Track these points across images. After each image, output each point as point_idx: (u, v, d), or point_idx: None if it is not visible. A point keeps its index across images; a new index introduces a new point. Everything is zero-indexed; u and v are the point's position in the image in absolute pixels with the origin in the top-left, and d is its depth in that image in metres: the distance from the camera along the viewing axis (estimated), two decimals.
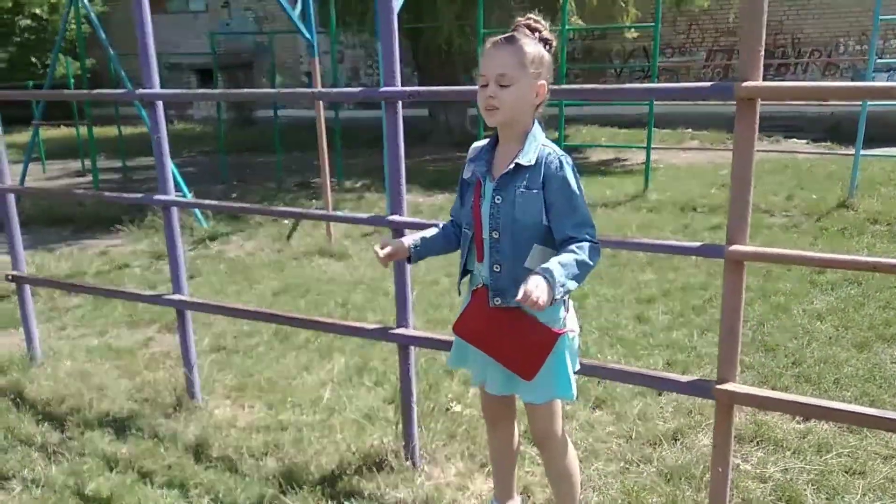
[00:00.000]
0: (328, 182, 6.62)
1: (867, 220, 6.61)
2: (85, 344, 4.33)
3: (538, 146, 2.00)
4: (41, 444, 3.14)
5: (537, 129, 2.04)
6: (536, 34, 2.00)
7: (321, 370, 3.84)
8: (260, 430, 3.19)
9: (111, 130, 16.10)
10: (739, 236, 2.15)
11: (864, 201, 7.23)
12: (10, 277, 3.79)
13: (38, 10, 21.17)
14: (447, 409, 3.31)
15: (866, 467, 2.81)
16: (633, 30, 13.83)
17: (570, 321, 2.09)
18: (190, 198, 7.68)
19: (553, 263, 1.85)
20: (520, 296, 1.77)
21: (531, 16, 2.04)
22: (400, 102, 2.51)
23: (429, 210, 8.23)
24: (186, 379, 3.38)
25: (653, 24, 8.38)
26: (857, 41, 14.35)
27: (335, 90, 2.66)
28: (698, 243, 2.24)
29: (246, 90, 3.22)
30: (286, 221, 7.96)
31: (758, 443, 3.02)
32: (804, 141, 12.45)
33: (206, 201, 3.46)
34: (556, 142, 9.34)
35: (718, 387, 2.21)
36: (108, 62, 9.17)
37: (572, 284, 1.87)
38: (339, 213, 2.87)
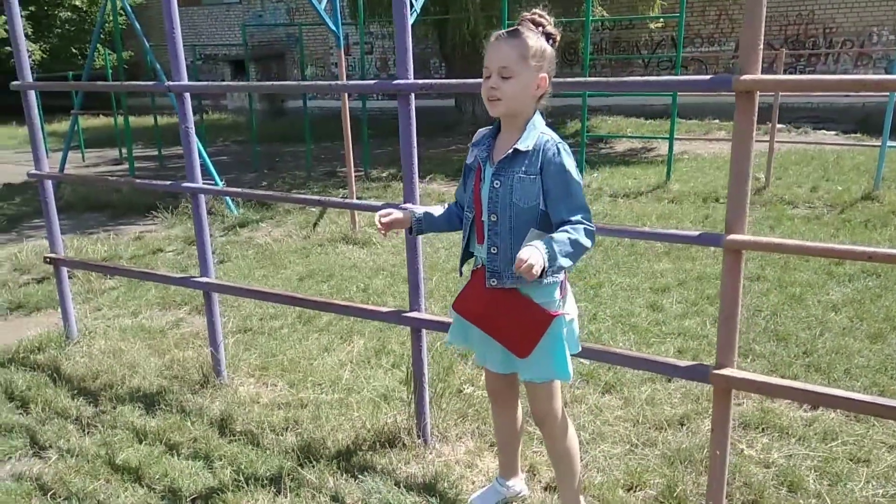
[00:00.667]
0: (352, 171, 6.77)
1: (892, 213, 6.55)
2: (119, 324, 4.53)
3: (537, 134, 2.09)
4: (76, 416, 3.34)
5: (538, 119, 2.13)
6: (540, 28, 2.08)
7: (341, 352, 3.99)
8: (281, 406, 3.35)
9: (148, 120, 16.51)
10: (737, 225, 2.21)
11: (889, 193, 7.15)
12: (48, 260, 4.00)
13: (77, 3, 21.67)
14: (460, 391, 3.43)
15: (871, 455, 2.85)
16: (660, 20, 13.73)
17: (566, 305, 2.18)
18: (221, 185, 7.92)
19: (546, 239, 1.93)
20: (515, 264, 1.86)
21: (536, 10, 2.12)
22: (412, 94, 2.62)
23: (453, 198, 8.33)
24: (213, 357, 3.55)
25: (678, 14, 8.34)
26: (892, 30, 14.03)
27: (351, 83, 2.77)
28: (697, 232, 2.32)
29: (269, 82, 3.34)
30: (313, 209, 8.15)
31: (763, 429, 3.08)
32: (833, 132, 12.27)
33: (232, 189, 3.62)
34: (579, 132, 9.35)
35: (716, 372, 2.29)
36: (144, 54, 9.43)
37: (566, 261, 1.95)
38: (355, 202, 2.99)
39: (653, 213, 7.05)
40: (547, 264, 1.88)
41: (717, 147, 11.27)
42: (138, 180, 3.85)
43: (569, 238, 1.96)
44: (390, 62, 20.50)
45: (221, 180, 8.09)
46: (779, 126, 9.07)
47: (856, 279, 4.83)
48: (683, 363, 2.36)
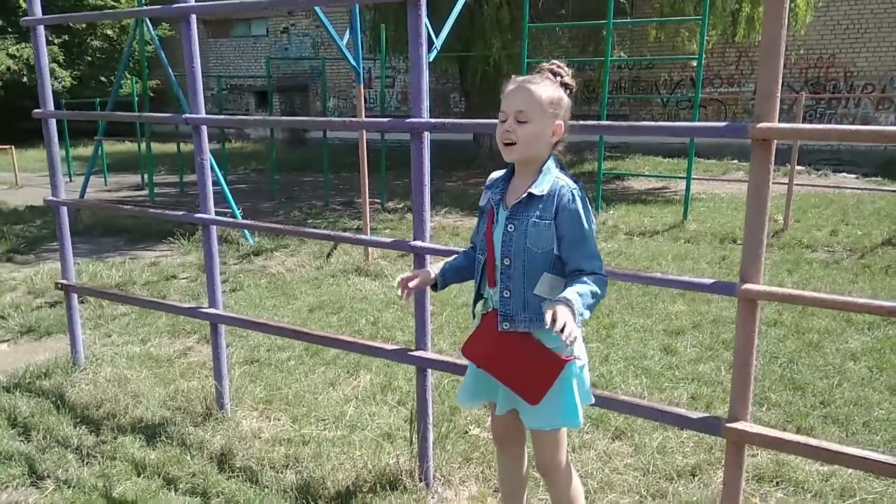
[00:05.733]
0: (367, 204, 6.78)
1: None
2: (127, 351, 4.52)
3: (552, 178, 2.08)
4: (76, 445, 3.30)
5: (552, 163, 2.12)
6: (558, 78, 2.11)
7: (347, 387, 3.94)
8: (282, 442, 3.29)
9: (172, 146, 16.79)
10: (753, 275, 2.16)
11: None
12: (59, 286, 4.01)
13: (109, 32, 22.22)
14: (465, 432, 3.36)
15: None
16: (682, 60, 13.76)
17: (577, 349, 2.13)
18: (238, 214, 7.98)
19: (572, 293, 1.93)
20: (547, 320, 1.85)
21: (555, 61, 2.16)
22: (426, 132, 2.61)
23: (467, 232, 8.33)
24: (216, 390, 3.51)
25: (696, 56, 8.36)
26: None
27: (367, 120, 2.78)
28: (710, 280, 2.26)
29: (285, 117, 3.38)
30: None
31: (778, 483, 2.98)
32: (853, 175, 12.15)
33: (242, 221, 3.62)
34: (594, 172, 9.33)
35: (729, 425, 2.22)
36: (169, 83, 9.64)
37: (587, 314, 1.95)
38: (364, 237, 2.97)
39: (668, 253, 6.97)
40: (577, 321, 1.89)
41: (735, 187, 11.20)
42: (151, 209, 3.86)
43: (590, 290, 1.97)
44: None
45: (238, 209, 8.14)
46: (798, 168, 8.99)
47: (875, 327, 4.72)
48: (695, 414, 2.28)
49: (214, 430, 3.38)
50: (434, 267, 2.36)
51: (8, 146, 14.39)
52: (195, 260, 7.28)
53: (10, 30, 20.19)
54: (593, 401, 2.25)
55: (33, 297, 5.87)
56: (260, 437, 3.34)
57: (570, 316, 1.86)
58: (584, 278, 2.00)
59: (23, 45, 19.95)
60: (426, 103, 2.56)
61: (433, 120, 2.52)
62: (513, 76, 2.15)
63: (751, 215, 2.15)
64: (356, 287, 6.08)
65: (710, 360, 4.27)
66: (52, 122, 3.82)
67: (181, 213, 3.58)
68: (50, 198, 3.92)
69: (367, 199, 6.85)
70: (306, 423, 3.48)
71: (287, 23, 22.76)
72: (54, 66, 20.42)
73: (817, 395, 3.78)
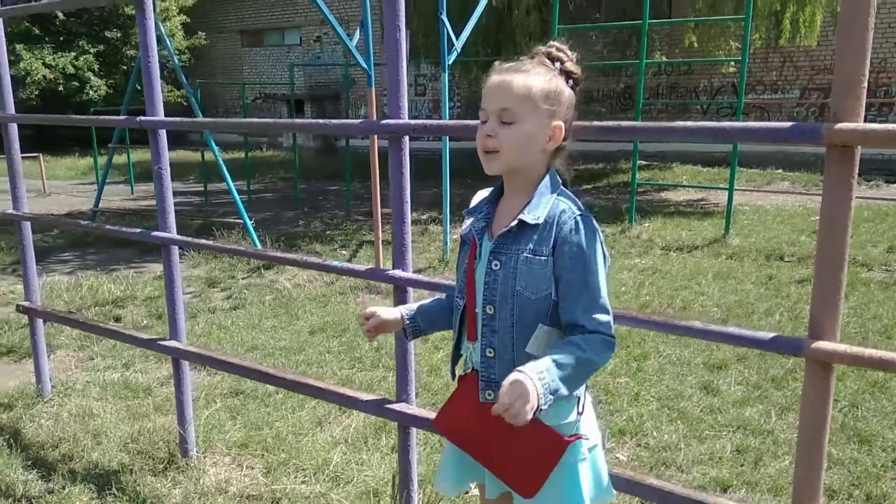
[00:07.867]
0: (379, 217, 6.36)
1: None
2: (104, 378, 4.12)
3: (551, 201, 1.58)
4: (21, 495, 2.89)
5: (551, 180, 1.61)
6: (557, 64, 1.59)
7: (337, 426, 3.47)
8: (250, 499, 2.82)
9: (206, 155, 16.64)
10: (828, 329, 1.62)
11: None
12: (21, 308, 3.63)
13: None
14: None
15: None
16: (727, 64, 13.06)
17: (585, 426, 1.62)
18: (250, 226, 7.62)
19: (546, 362, 1.43)
20: (495, 406, 1.37)
21: (554, 43, 1.64)
22: (406, 137, 2.13)
23: None
24: (180, 435, 3.06)
25: (739, 58, 7.74)
26: None
27: (334, 121, 2.33)
28: (770, 335, 1.70)
29: (238, 120, 2.98)
30: (343, 251, 7.86)
31: None
32: None
33: (203, 241, 3.20)
34: (628, 182, 8.74)
35: None
36: (196, 90, 9.39)
37: (564, 389, 1.44)
38: (332, 264, 2.47)
39: (709, 271, 6.36)
40: (542, 401, 1.39)
41: (781, 199, 10.47)
42: (108, 227, 3.45)
43: (577, 358, 1.45)
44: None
45: (251, 220, 7.81)
46: None
47: None
48: None
49: (175, 482, 2.93)
50: (404, 308, 1.86)
51: (37, 154, 14.34)
52: (203, 273, 6.92)
53: (46, 39, 20.32)
54: (614, 496, 1.71)
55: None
56: (226, 492, 2.87)
57: (525, 393, 1.37)
58: (578, 339, 1.48)
59: (59, 54, 20.05)
60: (405, 102, 2.08)
61: (412, 121, 2.04)
62: (496, 63, 1.63)
63: (825, 246, 1.62)
64: (365, 306, 5.62)
65: (758, 401, 3.69)
66: (13, 127, 3.44)
67: (139, 230, 3.15)
68: (10, 211, 3.54)
69: (380, 212, 6.41)
70: (283, 474, 3.01)
71: (320, 31, 22.57)
72: (90, 75, 20.52)
73: (888, 450, 3.19)
